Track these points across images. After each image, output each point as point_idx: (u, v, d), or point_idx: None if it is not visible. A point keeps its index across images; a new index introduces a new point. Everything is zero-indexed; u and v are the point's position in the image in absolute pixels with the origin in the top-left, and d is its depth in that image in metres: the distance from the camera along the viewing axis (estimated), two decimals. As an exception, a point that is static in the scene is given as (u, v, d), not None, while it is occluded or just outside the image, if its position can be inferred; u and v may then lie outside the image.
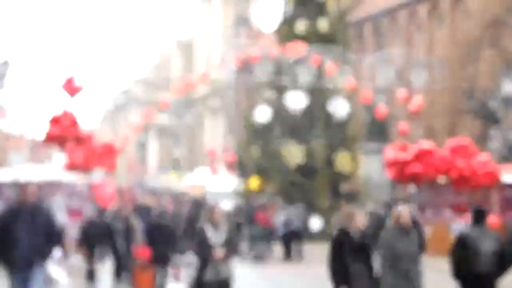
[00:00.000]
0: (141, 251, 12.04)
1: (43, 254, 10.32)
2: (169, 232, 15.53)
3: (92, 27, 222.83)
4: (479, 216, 10.31)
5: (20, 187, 10.44)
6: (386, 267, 9.84)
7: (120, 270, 16.94)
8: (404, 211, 10.06)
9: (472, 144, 26.52)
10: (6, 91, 21.78)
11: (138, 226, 17.81)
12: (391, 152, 27.00)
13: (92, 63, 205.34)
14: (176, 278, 15.29)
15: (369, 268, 9.69)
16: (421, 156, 25.71)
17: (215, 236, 10.22)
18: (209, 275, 10.16)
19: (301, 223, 24.60)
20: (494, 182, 24.89)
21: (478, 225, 10.22)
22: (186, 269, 15.26)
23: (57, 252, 13.24)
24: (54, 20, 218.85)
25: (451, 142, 26.12)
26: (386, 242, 10.02)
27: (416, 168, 25.65)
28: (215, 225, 10.32)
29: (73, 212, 23.23)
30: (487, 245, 9.88)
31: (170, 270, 15.58)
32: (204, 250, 10.16)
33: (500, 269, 10.02)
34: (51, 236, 10.32)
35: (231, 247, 10.44)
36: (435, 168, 25.58)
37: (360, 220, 10.04)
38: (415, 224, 10.48)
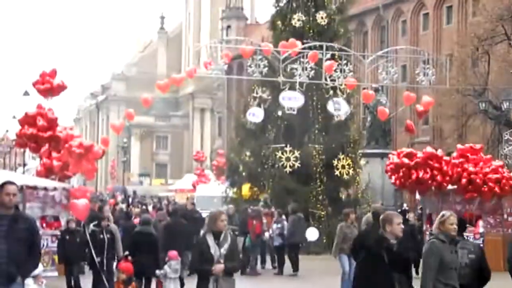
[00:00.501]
0: (124, 265, 11.21)
1: (25, 268, 9.24)
2: (154, 242, 16.35)
3: (69, 16, 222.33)
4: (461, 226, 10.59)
5: (1, 188, 9.13)
6: (432, 279, 9.51)
7: (100, 284, 16.97)
8: (452, 217, 9.70)
9: (483, 149, 26.65)
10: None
11: (118, 236, 17.95)
12: (395, 156, 27.11)
13: (68, 56, 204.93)
14: None
15: (410, 280, 9.66)
16: (428, 161, 25.79)
17: (216, 248, 9.53)
18: None
19: (300, 234, 24.49)
20: (507, 189, 24.94)
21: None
22: (165, 281, 15.83)
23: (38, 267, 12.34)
24: (25, 10, 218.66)
25: (460, 147, 26.18)
26: (436, 250, 9.57)
27: (423, 174, 25.75)
28: (217, 234, 9.62)
29: (48, 222, 23.22)
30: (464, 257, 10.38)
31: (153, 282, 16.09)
32: (204, 264, 9.48)
33: (479, 282, 10.52)
34: (34, 248, 9.24)
35: (234, 260, 9.74)
36: (443, 174, 25.65)
37: (400, 225, 9.53)
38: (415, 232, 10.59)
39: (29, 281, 9.72)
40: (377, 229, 9.74)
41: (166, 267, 15.93)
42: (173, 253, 16.38)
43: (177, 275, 16.12)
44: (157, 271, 15.99)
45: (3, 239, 8.82)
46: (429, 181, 26.05)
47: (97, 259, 16.45)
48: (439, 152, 26.75)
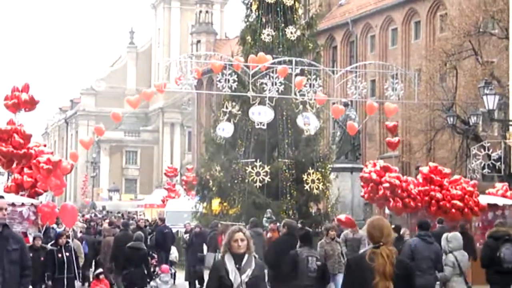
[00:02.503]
0: (102, 286, 10.70)
1: None
2: (144, 256, 17.51)
3: (37, 30, 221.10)
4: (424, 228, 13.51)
5: None
6: None
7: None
8: None
9: (450, 174, 26.89)
10: None
11: (81, 252, 17.90)
12: (367, 169, 27.28)
13: (37, 71, 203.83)
14: None
15: None
16: (396, 190, 25.98)
17: (237, 274, 7.93)
18: None
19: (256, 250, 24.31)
20: (473, 210, 25.28)
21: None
22: None
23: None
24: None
25: (425, 171, 26.30)
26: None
27: (392, 199, 26.04)
28: (238, 257, 8.00)
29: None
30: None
31: None
32: None
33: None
34: (26, 270, 8.65)
35: None
36: (412, 199, 25.88)
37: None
38: None
39: None
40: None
41: (157, 279, 17.33)
42: (164, 267, 18.17)
43: (168, 287, 17.28)
44: (151, 283, 17.22)
45: None
46: (392, 201, 26.25)
47: (49, 282, 16.38)
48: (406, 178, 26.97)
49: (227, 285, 7.78)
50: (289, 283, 12.68)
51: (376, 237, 6.98)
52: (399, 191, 25.89)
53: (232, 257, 7.96)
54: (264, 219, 26.17)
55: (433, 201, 25.24)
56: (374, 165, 27.61)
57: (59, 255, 16.25)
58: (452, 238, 13.76)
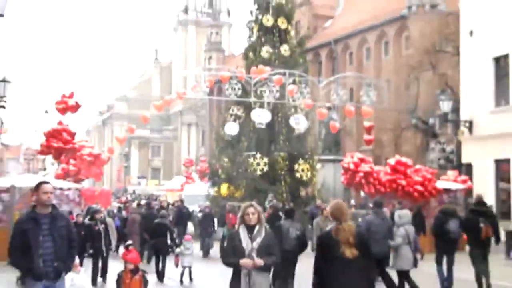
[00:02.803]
0: (130, 256, 10.46)
1: (68, 264, 8.34)
2: (168, 229, 18.06)
3: (81, 50, 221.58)
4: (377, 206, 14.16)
5: (37, 188, 8.14)
6: None
7: (101, 271, 16.58)
8: None
9: (410, 161, 26.94)
10: (6, 108, 21.39)
11: (113, 227, 17.96)
12: (346, 160, 27.31)
13: (80, 81, 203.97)
14: (176, 264, 17.23)
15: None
16: (368, 177, 26.03)
17: (249, 241, 7.71)
18: None
19: None
20: (431, 193, 25.36)
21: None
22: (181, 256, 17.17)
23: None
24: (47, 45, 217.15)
25: (391, 163, 26.31)
26: None
27: (366, 184, 26.12)
28: (250, 228, 7.79)
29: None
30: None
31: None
32: (234, 257, 7.63)
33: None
34: (72, 244, 8.32)
35: (268, 255, 7.70)
36: (381, 185, 25.95)
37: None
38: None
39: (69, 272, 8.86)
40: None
41: (181, 246, 17.52)
42: (187, 236, 18.40)
43: (190, 252, 17.31)
44: (177, 249, 17.52)
45: (47, 237, 7.93)
46: (366, 186, 26.31)
47: (90, 250, 16.41)
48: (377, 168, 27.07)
49: (241, 251, 7.61)
50: None
51: (338, 216, 7.24)
52: (372, 179, 25.95)
53: (246, 228, 7.77)
54: (266, 202, 26.17)
55: (399, 187, 25.30)
56: (352, 157, 27.66)
57: (96, 228, 16.26)
58: (403, 215, 13.88)
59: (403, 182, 25.42)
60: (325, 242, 7.24)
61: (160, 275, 17.26)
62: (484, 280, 14.07)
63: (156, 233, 17.98)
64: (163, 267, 17.42)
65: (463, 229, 14.66)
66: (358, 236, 7.22)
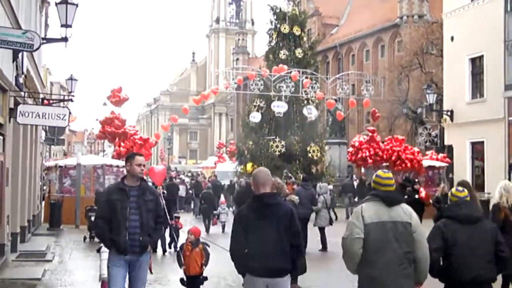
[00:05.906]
0: (194, 228, 8.91)
1: (154, 238, 6.91)
2: (212, 198, 20.87)
3: (133, 54, 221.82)
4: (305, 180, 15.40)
5: (131, 159, 6.74)
6: None
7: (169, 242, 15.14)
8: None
9: (404, 140, 27.09)
10: (74, 101, 21.67)
11: (161, 198, 18.01)
12: (355, 139, 27.78)
13: (131, 78, 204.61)
14: (213, 223, 20.21)
15: None
16: (370, 143, 26.28)
17: None
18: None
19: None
20: (419, 166, 25.42)
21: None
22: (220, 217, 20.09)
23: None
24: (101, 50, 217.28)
25: (389, 137, 26.46)
26: None
27: (367, 152, 26.31)
28: None
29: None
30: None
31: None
32: None
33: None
34: (159, 219, 6.85)
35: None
36: (381, 151, 26.18)
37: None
38: None
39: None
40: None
41: (219, 208, 20.32)
42: (222, 200, 21.02)
43: (225, 212, 20.27)
44: (214, 212, 20.33)
45: (135, 210, 6.49)
46: (369, 159, 26.35)
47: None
48: (378, 138, 27.30)
49: None
50: None
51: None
52: (374, 144, 26.29)
53: None
54: (283, 176, 26.31)
55: (394, 154, 25.67)
56: (359, 137, 27.84)
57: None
58: (322, 186, 16.08)
59: (399, 148, 26.04)
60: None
61: (207, 230, 19.78)
62: None
63: (204, 200, 20.69)
64: (209, 222, 20.21)
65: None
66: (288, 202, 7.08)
